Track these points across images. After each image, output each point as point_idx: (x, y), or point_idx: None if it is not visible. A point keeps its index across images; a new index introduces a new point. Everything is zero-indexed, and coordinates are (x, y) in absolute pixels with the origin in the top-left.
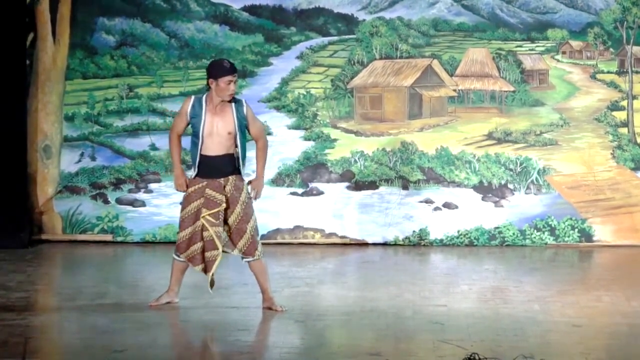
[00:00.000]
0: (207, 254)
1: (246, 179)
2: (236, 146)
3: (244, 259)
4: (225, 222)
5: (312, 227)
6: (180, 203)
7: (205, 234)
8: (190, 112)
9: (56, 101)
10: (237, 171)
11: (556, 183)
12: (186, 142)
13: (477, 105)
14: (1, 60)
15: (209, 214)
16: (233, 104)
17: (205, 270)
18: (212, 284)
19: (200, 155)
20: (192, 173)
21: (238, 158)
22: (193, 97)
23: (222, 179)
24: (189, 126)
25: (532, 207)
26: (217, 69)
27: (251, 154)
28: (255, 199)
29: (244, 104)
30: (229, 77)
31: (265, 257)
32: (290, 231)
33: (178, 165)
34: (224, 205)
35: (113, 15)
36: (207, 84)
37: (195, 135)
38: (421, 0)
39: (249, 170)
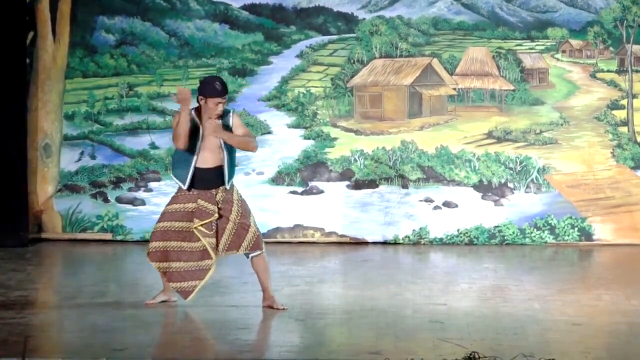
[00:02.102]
0: (200, 263)
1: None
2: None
3: (251, 255)
4: (227, 222)
5: (312, 225)
6: None
7: (197, 244)
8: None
9: (56, 100)
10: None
11: (556, 182)
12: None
13: (477, 104)
14: (1, 59)
15: (201, 225)
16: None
17: (166, 276)
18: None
19: (195, 168)
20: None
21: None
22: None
23: (214, 189)
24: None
25: (532, 205)
26: (208, 89)
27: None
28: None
29: (231, 114)
30: (218, 99)
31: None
32: (290, 230)
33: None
34: (217, 215)
35: (113, 13)
36: (197, 100)
37: (190, 149)
38: None
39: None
